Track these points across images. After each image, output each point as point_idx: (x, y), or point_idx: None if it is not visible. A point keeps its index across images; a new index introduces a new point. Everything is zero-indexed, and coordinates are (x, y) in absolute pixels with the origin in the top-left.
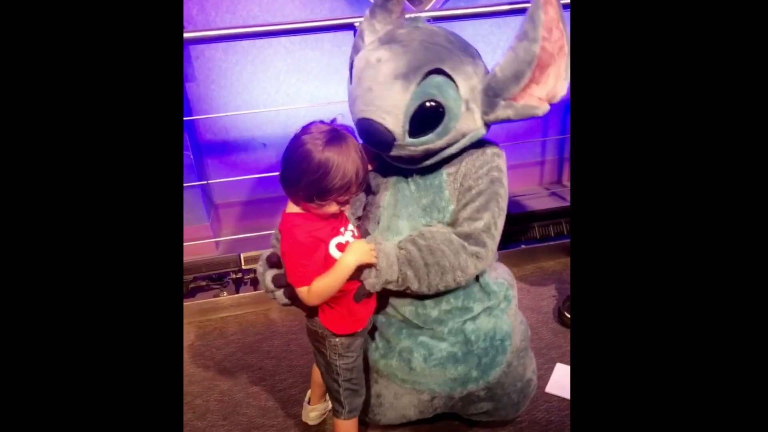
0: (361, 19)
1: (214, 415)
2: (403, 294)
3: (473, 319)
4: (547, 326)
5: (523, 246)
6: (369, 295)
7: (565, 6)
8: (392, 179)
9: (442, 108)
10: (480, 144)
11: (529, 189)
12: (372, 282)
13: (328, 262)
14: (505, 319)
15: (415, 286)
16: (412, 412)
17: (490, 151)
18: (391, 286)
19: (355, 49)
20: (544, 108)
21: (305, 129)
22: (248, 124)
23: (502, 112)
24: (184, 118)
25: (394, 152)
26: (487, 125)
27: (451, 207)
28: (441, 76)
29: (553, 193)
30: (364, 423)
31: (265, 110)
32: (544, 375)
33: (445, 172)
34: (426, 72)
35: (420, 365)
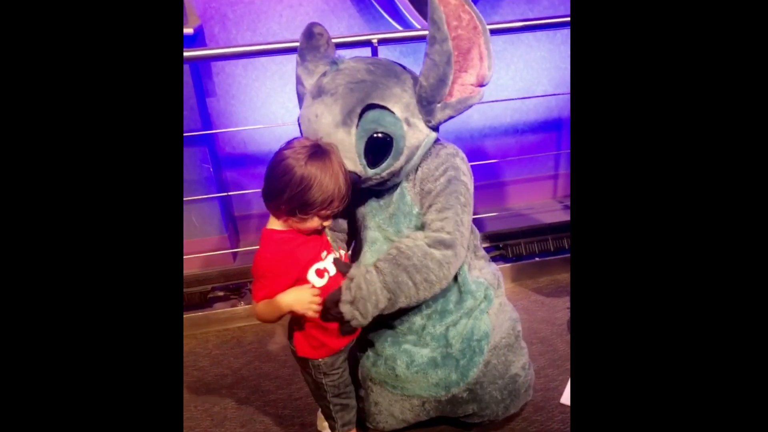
0: (378, 36)
1: (232, 422)
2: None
3: (455, 324)
4: (561, 338)
5: (537, 258)
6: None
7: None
8: (357, 193)
9: (388, 136)
10: (435, 146)
11: (543, 202)
12: (359, 322)
13: (300, 284)
14: (484, 319)
15: (403, 305)
16: (409, 416)
17: (444, 152)
18: (381, 309)
19: (299, 97)
20: (478, 95)
21: (288, 144)
22: (266, 138)
23: (441, 114)
24: (205, 132)
25: (364, 185)
26: (436, 128)
27: (416, 210)
28: (375, 110)
29: (567, 206)
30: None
31: (283, 125)
32: (559, 386)
33: (404, 178)
34: (360, 112)
35: (403, 372)
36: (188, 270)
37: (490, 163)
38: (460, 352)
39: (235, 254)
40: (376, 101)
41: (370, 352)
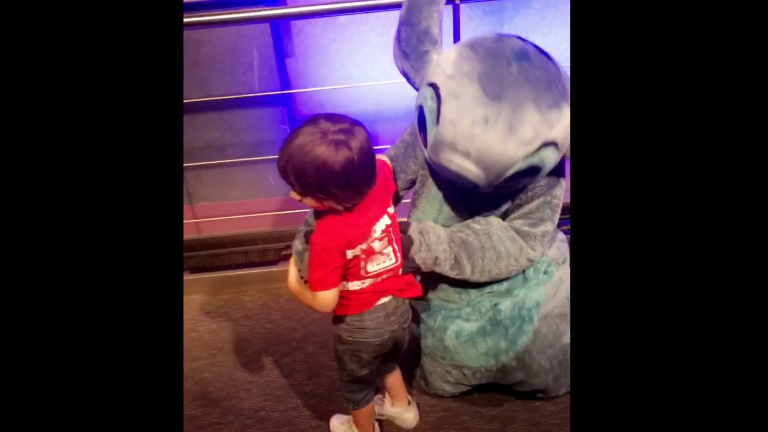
0: None
1: (300, 374)
2: (448, 279)
3: (507, 297)
4: None
5: None
6: (417, 269)
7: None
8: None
9: (539, 168)
10: None
11: None
12: (423, 256)
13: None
14: (539, 290)
15: (467, 270)
16: (462, 383)
17: None
18: (443, 268)
19: (408, 22)
20: None
21: (314, 120)
22: (342, 100)
23: None
24: (283, 92)
25: (471, 191)
26: None
27: (505, 206)
28: (550, 147)
29: None
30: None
31: (359, 85)
32: None
33: None
34: (537, 147)
35: (452, 342)
36: (264, 227)
37: None
38: (509, 319)
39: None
40: (554, 138)
41: (421, 326)
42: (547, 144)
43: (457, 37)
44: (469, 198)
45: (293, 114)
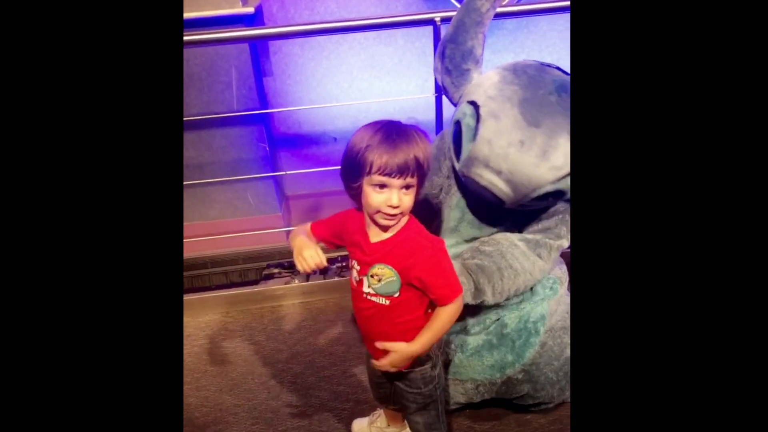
0: (441, 14)
1: (288, 396)
2: None
3: (512, 311)
4: None
5: None
6: None
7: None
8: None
9: (566, 193)
10: None
11: None
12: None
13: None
14: (543, 305)
15: (489, 294)
16: (461, 398)
17: None
18: (465, 299)
19: (454, 40)
20: None
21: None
22: (321, 119)
23: None
24: (261, 111)
25: (494, 206)
26: None
27: (523, 220)
28: None
29: None
30: None
31: (337, 104)
32: None
33: None
34: (566, 173)
35: (458, 356)
36: (244, 247)
37: None
38: (516, 332)
39: (288, 233)
40: None
41: None
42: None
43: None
44: (491, 210)
45: (271, 132)
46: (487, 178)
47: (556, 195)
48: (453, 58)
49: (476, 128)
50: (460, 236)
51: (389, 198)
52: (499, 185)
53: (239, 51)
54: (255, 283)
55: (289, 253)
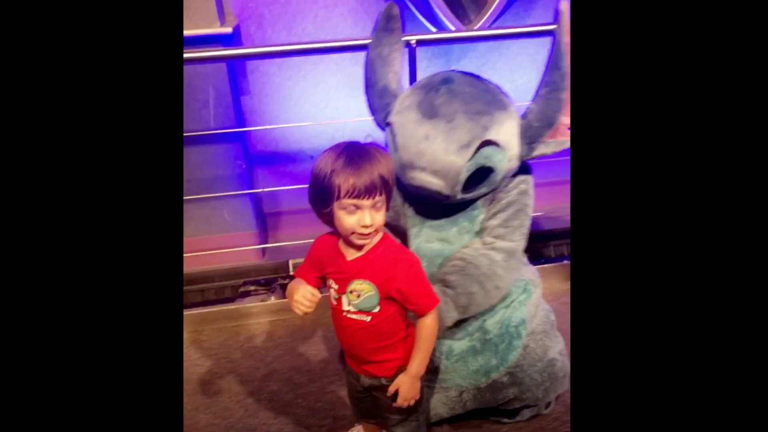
0: (417, 36)
1: (266, 413)
2: None
3: (493, 314)
4: None
5: (566, 261)
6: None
7: None
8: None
9: (492, 169)
10: None
11: (560, 206)
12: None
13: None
14: (522, 309)
15: (473, 309)
16: (442, 410)
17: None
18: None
19: (370, 84)
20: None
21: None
22: (297, 137)
23: (539, 151)
24: (238, 130)
25: (445, 202)
26: None
27: (481, 216)
28: (489, 146)
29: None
30: None
31: (314, 123)
32: None
33: None
34: (476, 147)
35: (443, 363)
36: (220, 264)
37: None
38: (498, 337)
39: (264, 250)
40: (492, 138)
41: None
42: (485, 144)
43: (413, 75)
44: (445, 209)
45: (248, 150)
46: (419, 177)
47: (486, 173)
48: (373, 99)
49: (395, 141)
50: (425, 240)
51: (361, 218)
52: (430, 180)
53: (216, 70)
54: (231, 300)
55: (265, 269)
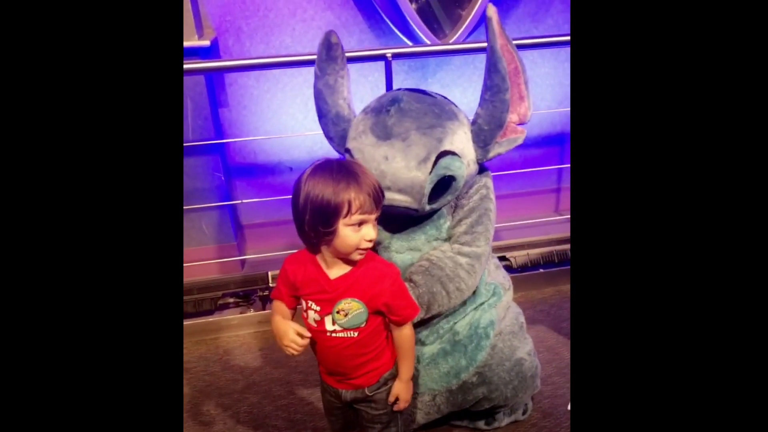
0: (393, 50)
1: (245, 426)
2: None
3: (463, 317)
4: (566, 347)
5: (541, 270)
6: None
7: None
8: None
9: (453, 177)
10: None
11: (545, 215)
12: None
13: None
14: (491, 311)
15: (435, 313)
16: (419, 415)
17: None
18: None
19: (322, 114)
20: (522, 135)
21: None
22: (276, 149)
23: (493, 152)
24: (216, 141)
25: (415, 215)
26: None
27: (448, 223)
28: (446, 156)
29: (568, 220)
30: None
31: (292, 135)
32: (566, 393)
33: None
34: (434, 159)
35: (416, 367)
36: (198, 276)
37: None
38: (467, 338)
39: (242, 262)
40: (447, 148)
41: None
42: (442, 155)
43: (389, 88)
44: (411, 220)
45: (227, 162)
46: (387, 197)
47: (449, 181)
48: (327, 127)
49: None
50: (395, 251)
51: (367, 233)
52: (398, 198)
53: (195, 82)
54: (210, 313)
55: (244, 282)
